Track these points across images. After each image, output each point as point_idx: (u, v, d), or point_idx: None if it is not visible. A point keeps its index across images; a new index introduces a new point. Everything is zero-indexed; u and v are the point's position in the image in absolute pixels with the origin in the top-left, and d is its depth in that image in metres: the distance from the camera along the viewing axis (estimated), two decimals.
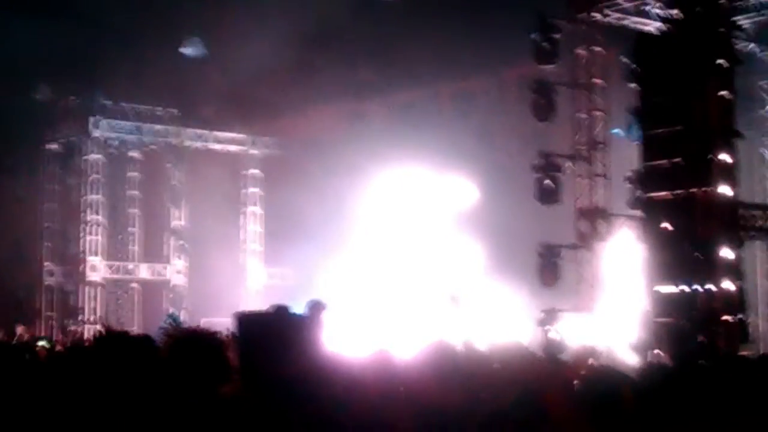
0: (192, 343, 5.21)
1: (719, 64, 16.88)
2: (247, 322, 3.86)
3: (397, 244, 25.42)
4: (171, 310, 24.29)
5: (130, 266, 28.35)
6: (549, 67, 19.24)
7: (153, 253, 28.78)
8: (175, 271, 28.14)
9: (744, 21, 18.67)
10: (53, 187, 28.10)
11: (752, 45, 19.86)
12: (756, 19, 19.15)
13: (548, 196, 19.13)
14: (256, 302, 27.61)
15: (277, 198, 27.94)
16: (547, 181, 19.10)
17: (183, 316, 24.73)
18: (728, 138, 17.18)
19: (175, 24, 24.67)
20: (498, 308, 21.11)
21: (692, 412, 5.28)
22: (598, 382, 5.25)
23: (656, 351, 16.15)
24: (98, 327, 23.55)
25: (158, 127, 27.91)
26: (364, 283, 23.71)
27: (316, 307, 16.62)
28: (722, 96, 16.92)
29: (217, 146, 28.91)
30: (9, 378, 7.23)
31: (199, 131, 28.43)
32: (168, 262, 28.31)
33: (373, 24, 22.89)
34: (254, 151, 29.31)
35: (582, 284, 18.97)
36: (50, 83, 26.80)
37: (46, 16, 22.62)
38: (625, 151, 18.98)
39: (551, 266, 19.09)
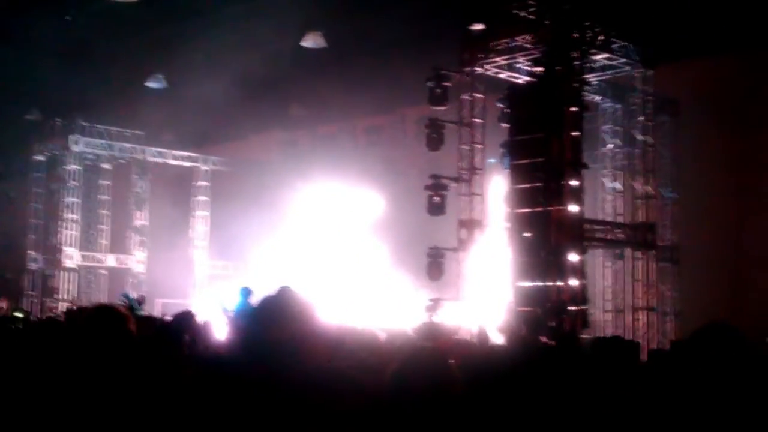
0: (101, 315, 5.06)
1: (571, 110, 17.13)
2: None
3: (319, 244, 25.42)
4: (125, 291, 23.99)
5: (100, 256, 27.96)
6: (440, 108, 19.33)
7: (119, 246, 28.42)
8: (136, 261, 27.82)
9: (591, 77, 18.95)
10: (39, 190, 27.66)
11: (597, 97, 20.19)
12: (601, 77, 19.47)
13: (436, 209, 19.25)
14: (202, 288, 27.47)
15: (222, 205, 27.78)
16: (436, 198, 19.24)
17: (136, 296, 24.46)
18: (577, 168, 17.38)
19: (143, 62, 24.43)
20: (396, 297, 21.17)
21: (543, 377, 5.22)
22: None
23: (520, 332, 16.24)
24: (69, 305, 23.25)
25: (127, 144, 27.59)
26: (290, 275, 23.64)
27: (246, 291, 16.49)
28: (573, 135, 17.13)
29: (174, 162, 28.65)
30: None
31: (159, 149, 28.16)
32: (131, 253, 27.97)
33: (304, 69, 22.89)
34: (204, 167, 29.09)
35: (460, 279, 19.06)
36: (39, 107, 26.41)
37: (38, 51, 22.25)
38: (497, 176, 19.20)
39: (437, 265, 19.21)
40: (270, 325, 3.66)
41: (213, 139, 28.49)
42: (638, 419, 4.58)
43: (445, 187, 19.27)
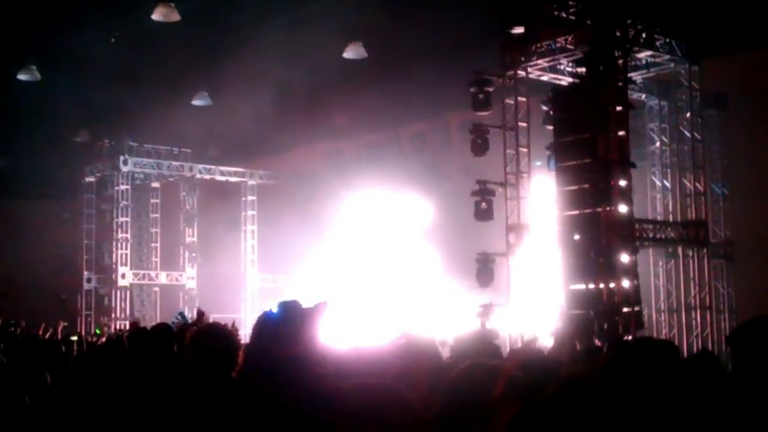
0: (210, 333, 5.11)
1: (617, 109, 17.00)
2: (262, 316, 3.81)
3: (367, 253, 25.48)
4: (181, 310, 24.20)
5: (152, 274, 28.28)
6: (484, 113, 19.30)
7: (170, 264, 28.72)
8: (188, 277, 28.07)
9: (636, 76, 18.79)
10: (90, 211, 28.06)
11: (643, 95, 19.99)
12: (645, 74, 19.28)
13: (484, 214, 19.21)
14: (253, 301, 27.64)
15: (270, 218, 27.98)
16: (483, 203, 19.21)
17: (194, 313, 24.65)
18: (625, 167, 17.25)
19: (187, 79, 24.73)
20: (448, 303, 21.15)
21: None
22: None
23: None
24: (126, 323, 23.56)
25: (174, 163, 27.89)
26: (341, 285, 23.74)
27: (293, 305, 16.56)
28: (620, 134, 17.00)
29: (221, 178, 28.90)
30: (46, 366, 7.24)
31: (207, 166, 28.43)
32: (182, 270, 28.25)
33: (346, 79, 23.00)
34: (251, 182, 29.32)
35: (511, 284, 18.98)
36: (88, 128, 26.85)
37: (86, 73, 22.62)
38: (544, 179, 19.08)
39: (487, 270, 19.17)
40: (269, 342, 3.66)
41: (259, 153, 28.71)
42: (681, 419, 4.51)
43: (491, 192, 19.23)
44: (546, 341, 17.24)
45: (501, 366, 3.96)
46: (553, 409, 3.70)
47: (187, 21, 20.89)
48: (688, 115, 19.01)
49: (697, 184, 18.83)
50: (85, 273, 27.56)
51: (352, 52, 22.53)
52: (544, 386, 4.27)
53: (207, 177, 28.50)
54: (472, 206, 19.26)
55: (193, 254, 28.19)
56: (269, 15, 21.10)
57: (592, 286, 16.86)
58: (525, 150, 19.43)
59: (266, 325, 3.74)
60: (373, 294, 23.37)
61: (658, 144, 20.31)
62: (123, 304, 26.43)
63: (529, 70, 19.01)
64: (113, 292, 26.56)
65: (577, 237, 17.23)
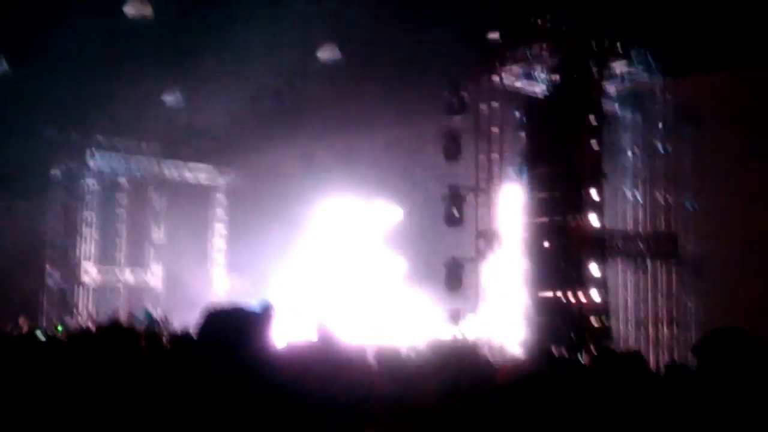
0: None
1: (590, 120, 17.13)
2: (211, 315, 3.79)
3: (337, 258, 25.45)
4: (147, 308, 24.07)
5: (117, 271, 28.08)
6: (457, 119, 19.38)
7: (136, 262, 28.52)
8: (154, 275, 27.92)
9: (610, 87, 18.92)
10: (56, 205, 27.81)
11: (617, 106, 20.13)
12: (620, 86, 19.42)
13: (454, 220, 19.29)
14: (220, 303, 27.48)
15: (239, 220, 27.89)
16: (453, 208, 19.28)
17: (159, 313, 24.49)
18: (597, 178, 17.39)
19: (159, 77, 24.57)
20: (415, 309, 21.16)
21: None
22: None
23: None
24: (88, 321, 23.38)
25: (143, 158, 27.75)
26: (310, 288, 23.70)
27: (266, 306, 16.56)
28: (592, 145, 17.15)
29: (190, 175, 28.77)
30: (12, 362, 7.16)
31: (176, 163, 28.30)
32: (149, 268, 28.07)
33: (321, 82, 22.98)
34: (221, 181, 29.23)
35: (479, 290, 19.03)
36: (55, 123, 26.59)
37: (55, 67, 22.43)
38: (516, 186, 19.16)
39: (456, 276, 19.22)
40: (214, 345, 3.66)
41: (230, 153, 28.57)
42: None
43: (462, 198, 19.30)
44: (513, 348, 17.36)
45: None
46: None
47: (162, 18, 20.79)
48: (661, 128, 19.18)
49: (668, 198, 18.98)
50: (48, 268, 27.29)
51: (326, 53, 22.51)
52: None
53: (176, 175, 28.34)
54: (441, 211, 19.32)
55: (160, 253, 28.03)
56: (245, 14, 21.04)
57: (560, 294, 16.99)
58: (497, 156, 19.54)
59: (213, 324, 3.72)
60: (340, 298, 23.33)
61: (630, 156, 20.44)
62: (86, 301, 26.20)
63: (504, 76, 19.13)
64: (77, 288, 26.33)
65: (546, 245, 17.35)
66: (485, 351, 16.01)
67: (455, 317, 18.64)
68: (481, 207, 19.25)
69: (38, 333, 16.41)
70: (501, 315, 18.55)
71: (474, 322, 18.74)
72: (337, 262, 25.25)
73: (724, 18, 17.14)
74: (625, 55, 18.15)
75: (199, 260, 28.28)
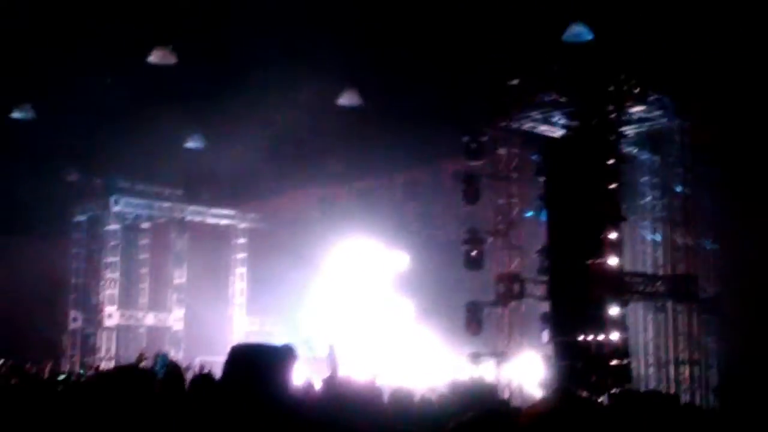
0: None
1: (608, 163, 17.30)
2: (237, 352, 3.99)
3: (354, 300, 25.60)
4: (164, 351, 24.29)
5: (140, 314, 28.34)
6: (476, 163, 19.61)
7: (158, 305, 28.78)
8: (175, 319, 28.15)
9: (628, 130, 19.12)
10: (79, 251, 28.18)
11: (635, 149, 20.33)
12: (637, 129, 19.62)
13: (474, 263, 19.46)
14: (246, 342, 27.58)
15: (260, 262, 28.11)
16: (473, 252, 19.45)
17: (180, 355, 24.71)
18: (615, 221, 17.53)
19: (181, 121, 24.89)
20: (434, 352, 21.26)
21: None
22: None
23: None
24: (111, 363, 23.56)
25: (165, 204, 28.08)
26: (327, 328, 23.85)
27: (288, 347, 16.70)
28: (611, 188, 17.30)
29: (212, 220, 29.07)
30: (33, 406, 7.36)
31: (198, 208, 28.61)
32: (170, 311, 28.31)
33: (339, 126, 23.25)
34: (242, 225, 29.52)
35: (500, 334, 19.13)
36: (79, 168, 26.97)
37: (78, 112, 22.81)
38: (535, 230, 19.33)
39: (475, 318, 19.36)
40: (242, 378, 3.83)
41: (250, 197, 28.91)
42: None
43: (482, 241, 19.48)
44: (534, 390, 17.45)
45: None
46: None
47: (183, 63, 21.15)
48: (679, 170, 19.35)
49: (687, 239, 19.10)
50: (72, 312, 27.58)
51: (347, 99, 22.82)
52: None
53: (197, 218, 28.66)
54: (461, 254, 19.49)
55: (181, 296, 28.27)
56: (266, 60, 21.40)
57: (581, 337, 17.05)
58: (517, 200, 19.74)
59: (239, 361, 3.90)
60: (357, 339, 23.48)
61: (649, 198, 20.62)
62: (108, 344, 26.43)
63: (522, 121, 19.37)
64: (99, 332, 26.57)
65: (566, 288, 17.46)
66: (505, 392, 16.15)
67: (475, 360, 18.74)
68: (500, 250, 19.40)
69: (61, 377, 16.63)
70: (522, 358, 18.64)
71: (494, 365, 18.84)
72: (354, 304, 25.43)
73: (736, 59, 17.37)
74: (642, 99, 18.37)
75: (219, 302, 28.52)
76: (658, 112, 18.97)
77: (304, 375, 9.83)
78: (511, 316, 19.31)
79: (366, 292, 25.40)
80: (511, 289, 19.29)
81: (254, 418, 3.78)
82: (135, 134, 23.99)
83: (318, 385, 7.72)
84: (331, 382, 6.63)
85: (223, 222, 29.29)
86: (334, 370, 6.63)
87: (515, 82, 18.54)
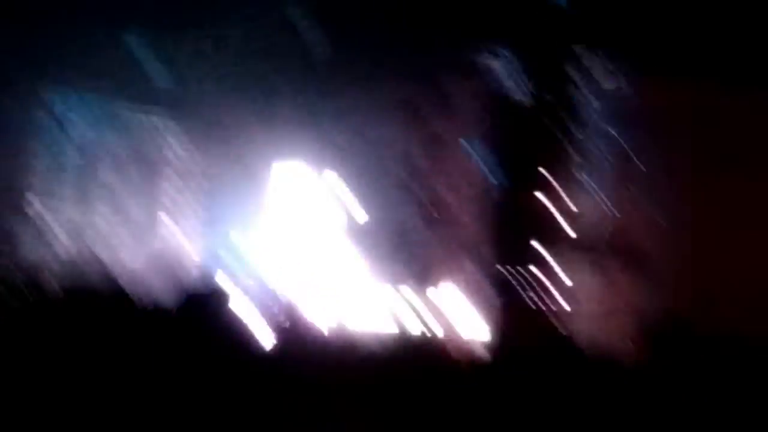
0: None
1: (558, 116, 17.31)
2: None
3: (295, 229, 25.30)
4: None
5: (63, 207, 27.72)
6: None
7: (84, 199, 28.19)
8: (100, 215, 27.71)
9: (583, 87, 19.15)
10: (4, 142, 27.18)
11: (588, 105, 20.35)
12: (587, 87, 19.67)
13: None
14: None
15: (194, 167, 27.71)
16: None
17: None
18: (560, 170, 17.58)
19: (119, 18, 24.11)
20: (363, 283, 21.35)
21: None
22: None
23: None
24: None
25: (96, 98, 27.48)
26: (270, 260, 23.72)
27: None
28: (558, 139, 17.30)
29: (144, 118, 28.53)
30: None
31: (130, 104, 28.09)
32: (95, 207, 27.82)
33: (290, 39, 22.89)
34: (176, 127, 29.08)
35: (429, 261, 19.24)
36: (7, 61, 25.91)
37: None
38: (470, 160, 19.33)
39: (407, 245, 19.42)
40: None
41: (189, 103, 28.30)
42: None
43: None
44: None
45: None
46: None
47: None
48: (622, 131, 19.49)
49: (629, 197, 19.36)
50: None
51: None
52: None
53: (130, 115, 28.03)
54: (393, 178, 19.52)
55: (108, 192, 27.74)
56: None
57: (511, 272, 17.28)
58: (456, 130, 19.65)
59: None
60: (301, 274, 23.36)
61: (595, 153, 20.73)
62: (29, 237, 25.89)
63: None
64: (20, 222, 25.98)
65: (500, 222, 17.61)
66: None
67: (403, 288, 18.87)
68: (434, 175, 19.44)
69: None
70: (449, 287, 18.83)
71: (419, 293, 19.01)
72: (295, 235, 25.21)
73: (698, 24, 17.47)
74: (593, 60, 18.39)
75: (147, 205, 28.08)
76: (608, 73, 19.00)
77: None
78: (441, 243, 19.43)
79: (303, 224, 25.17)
80: (443, 216, 19.34)
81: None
82: (66, 28, 23.24)
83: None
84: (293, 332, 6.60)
85: (156, 120, 28.71)
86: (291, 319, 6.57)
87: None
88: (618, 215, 19.62)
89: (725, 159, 19.34)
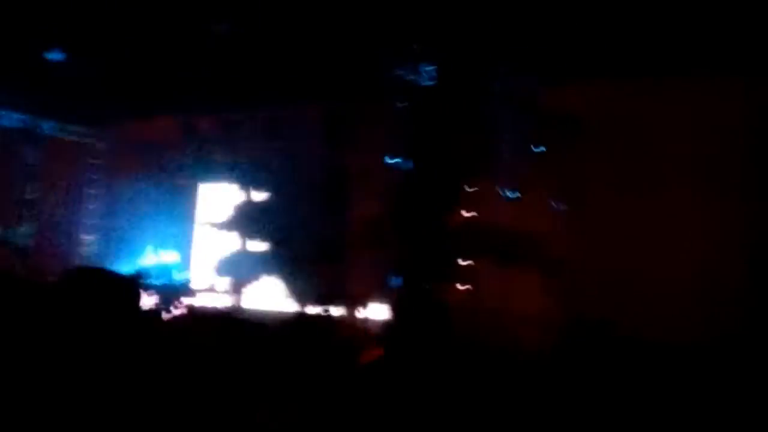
0: None
1: (469, 118, 17.62)
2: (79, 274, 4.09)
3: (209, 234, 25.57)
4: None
5: None
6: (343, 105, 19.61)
7: (5, 219, 27.97)
8: (22, 235, 27.52)
9: (490, 90, 19.45)
10: None
11: (497, 108, 20.72)
12: (501, 89, 20.00)
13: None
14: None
15: (115, 183, 27.65)
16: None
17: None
18: (472, 176, 17.91)
19: (42, 33, 23.91)
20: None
21: None
22: None
23: None
24: None
25: (16, 115, 27.29)
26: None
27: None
28: (471, 146, 17.63)
29: (68, 136, 28.39)
30: None
31: (54, 122, 27.86)
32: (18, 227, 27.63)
33: (209, 53, 22.89)
34: (99, 144, 28.94)
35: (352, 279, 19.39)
36: None
37: None
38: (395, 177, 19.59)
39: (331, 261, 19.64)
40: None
41: (112, 118, 28.21)
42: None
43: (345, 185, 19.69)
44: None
45: None
46: None
47: None
48: (539, 133, 19.86)
49: (540, 199, 19.73)
50: None
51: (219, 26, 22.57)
52: None
53: (52, 134, 27.87)
54: (320, 196, 19.71)
55: (32, 212, 27.56)
56: None
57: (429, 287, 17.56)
58: (379, 147, 19.88)
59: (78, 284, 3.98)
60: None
61: (507, 157, 21.06)
62: None
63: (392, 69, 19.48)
64: None
65: (418, 237, 17.89)
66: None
67: (325, 303, 19.03)
68: (360, 195, 19.67)
69: None
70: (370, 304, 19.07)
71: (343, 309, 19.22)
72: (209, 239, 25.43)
73: (603, 32, 17.89)
74: (507, 61, 18.68)
75: (71, 221, 27.94)
76: (523, 75, 19.34)
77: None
78: (366, 261, 19.63)
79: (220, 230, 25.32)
80: (370, 235, 19.56)
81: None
82: None
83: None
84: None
85: (79, 139, 28.56)
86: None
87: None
88: (535, 223, 19.97)
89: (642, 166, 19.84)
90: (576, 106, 20.34)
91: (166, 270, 25.50)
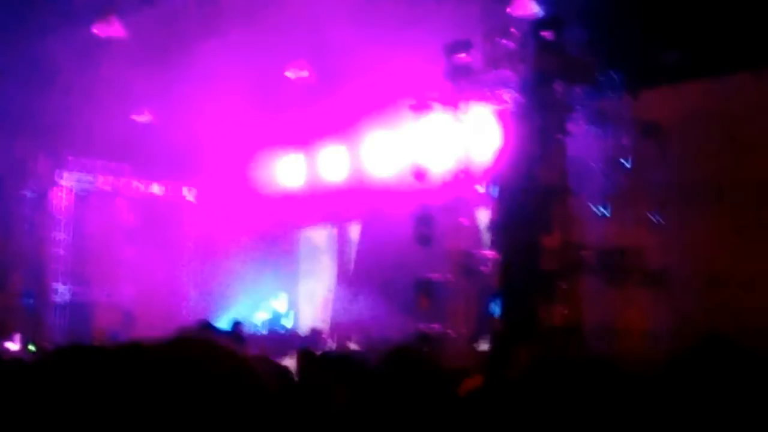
0: None
1: (556, 138, 17.50)
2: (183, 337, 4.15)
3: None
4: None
5: (88, 289, 28.19)
6: None
7: (108, 281, 28.62)
8: (126, 296, 28.11)
9: (576, 106, 19.30)
10: (25, 225, 27.87)
11: (583, 124, 20.54)
12: (585, 104, 19.80)
13: (425, 239, 19.74)
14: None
15: (209, 235, 28.06)
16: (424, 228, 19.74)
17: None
18: (563, 195, 17.78)
19: (128, 96, 24.57)
20: None
21: None
22: None
23: None
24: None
25: (113, 177, 28.04)
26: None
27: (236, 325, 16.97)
28: (559, 163, 17.49)
29: (159, 192, 29.12)
30: None
31: (145, 181, 28.62)
32: (121, 288, 28.24)
33: (289, 99, 23.18)
34: (189, 197, 29.64)
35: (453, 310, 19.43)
36: (24, 142, 26.63)
37: (23, 85, 22.51)
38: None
39: (428, 294, 19.63)
40: None
41: (198, 170, 28.80)
42: None
43: (432, 219, 19.73)
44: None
45: None
46: None
47: (133, 37, 21.04)
48: (626, 145, 19.58)
49: (635, 214, 19.43)
50: (20, 289, 27.39)
51: (293, 72, 23.12)
52: None
53: (146, 191, 28.61)
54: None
55: (132, 272, 28.18)
56: (220, 34, 21.34)
57: (529, 310, 17.40)
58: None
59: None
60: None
61: (597, 172, 20.84)
62: (58, 321, 26.38)
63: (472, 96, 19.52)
64: (48, 309, 26.47)
65: (515, 261, 17.80)
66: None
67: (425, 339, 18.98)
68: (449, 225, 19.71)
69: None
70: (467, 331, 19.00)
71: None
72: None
73: (684, 34, 17.64)
74: (590, 75, 18.55)
75: (170, 278, 28.48)
76: (606, 88, 19.15)
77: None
78: (462, 292, 19.60)
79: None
80: (464, 265, 19.48)
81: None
82: (82, 106, 23.79)
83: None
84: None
85: (171, 193, 29.26)
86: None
87: (463, 56, 18.71)
88: (631, 236, 19.64)
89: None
90: (664, 112, 20.05)
91: (275, 319, 25.96)
